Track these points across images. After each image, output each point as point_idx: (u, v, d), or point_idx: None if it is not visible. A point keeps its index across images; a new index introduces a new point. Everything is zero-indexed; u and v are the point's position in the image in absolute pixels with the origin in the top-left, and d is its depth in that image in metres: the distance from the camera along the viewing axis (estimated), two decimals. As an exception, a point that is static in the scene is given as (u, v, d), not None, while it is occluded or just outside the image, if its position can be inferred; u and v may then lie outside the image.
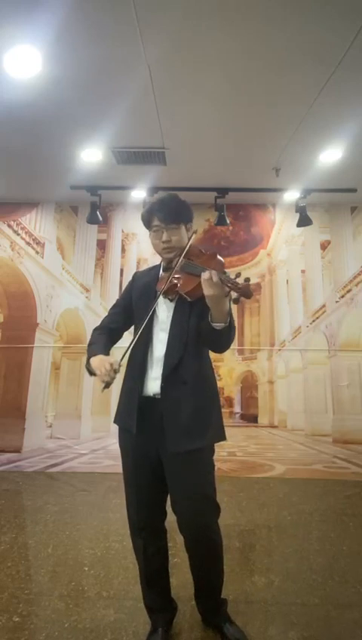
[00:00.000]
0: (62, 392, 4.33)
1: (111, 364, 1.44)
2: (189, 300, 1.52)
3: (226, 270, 1.46)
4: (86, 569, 2.24)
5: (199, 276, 1.44)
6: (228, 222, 4.06)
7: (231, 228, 4.48)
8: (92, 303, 4.41)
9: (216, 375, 1.75)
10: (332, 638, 1.70)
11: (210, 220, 4.42)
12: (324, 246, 4.54)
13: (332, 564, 2.31)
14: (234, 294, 1.36)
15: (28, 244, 4.47)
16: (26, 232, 4.49)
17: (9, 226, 4.47)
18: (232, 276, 1.38)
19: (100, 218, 4.02)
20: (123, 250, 4.60)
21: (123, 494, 1.66)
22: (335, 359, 4.28)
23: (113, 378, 1.43)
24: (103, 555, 2.39)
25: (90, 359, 1.54)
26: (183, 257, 1.56)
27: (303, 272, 4.55)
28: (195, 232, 1.69)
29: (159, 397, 1.54)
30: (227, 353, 4.18)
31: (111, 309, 1.82)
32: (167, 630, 1.66)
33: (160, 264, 1.74)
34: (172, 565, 1.75)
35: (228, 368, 4.42)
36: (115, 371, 1.43)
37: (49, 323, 4.34)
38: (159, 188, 3.83)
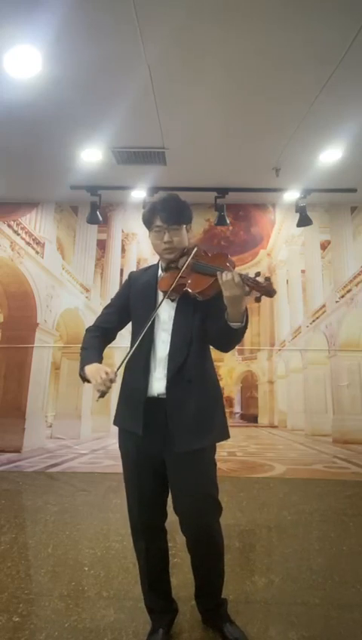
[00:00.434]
0: (62, 392, 4.33)
1: (107, 374, 1.41)
2: (201, 299, 1.51)
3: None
4: (86, 569, 2.23)
5: (212, 276, 1.45)
6: (228, 222, 4.06)
7: (231, 228, 4.47)
8: (92, 303, 4.41)
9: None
10: (332, 638, 1.70)
11: (210, 219, 4.42)
12: (324, 246, 4.54)
13: (332, 564, 2.31)
14: (256, 293, 1.36)
15: (28, 244, 4.47)
16: (26, 232, 4.49)
17: (9, 226, 4.47)
18: (251, 275, 1.38)
19: (100, 218, 4.02)
20: (123, 250, 4.60)
21: (123, 494, 1.65)
22: (335, 359, 4.28)
23: (109, 388, 1.41)
24: (103, 555, 2.39)
25: (84, 367, 1.52)
26: (192, 257, 1.55)
27: (303, 272, 4.55)
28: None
29: (164, 397, 1.53)
30: (227, 353, 4.22)
31: (105, 308, 1.79)
32: (168, 630, 1.66)
33: (157, 264, 1.73)
34: (172, 565, 1.75)
35: (228, 368, 4.42)
36: (111, 381, 1.41)
37: (49, 323, 4.34)
38: (159, 188, 3.83)
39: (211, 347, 1.66)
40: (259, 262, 4.57)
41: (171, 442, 1.50)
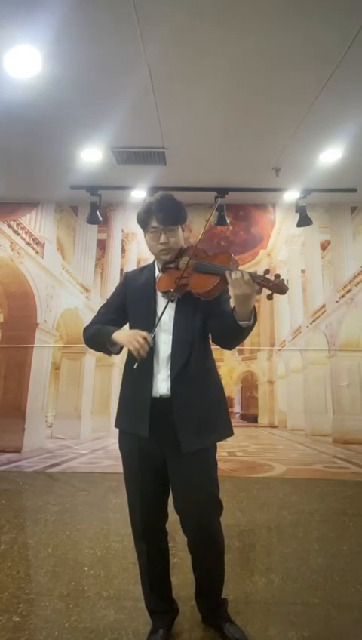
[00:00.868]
0: (62, 392, 4.33)
1: (145, 338, 1.42)
2: (205, 300, 1.51)
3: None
4: (86, 569, 2.23)
5: (218, 275, 1.44)
6: (228, 222, 4.06)
7: (231, 228, 4.48)
8: (92, 303, 4.41)
9: (217, 375, 1.76)
10: (332, 638, 1.70)
11: (209, 220, 4.41)
12: (324, 246, 4.54)
13: (332, 564, 2.31)
14: (267, 291, 1.36)
15: (28, 244, 4.47)
16: (26, 232, 4.49)
17: (9, 226, 4.47)
18: (260, 273, 1.38)
19: (100, 218, 4.02)
20: (123, 250, 4.60)
21: (123, 494, 1.65)
22: (335, 359, 4.28)
23: (147, 353, 1.41)
24: (103, 555, 2.39)
25: (111, 336, 1.50)
26: (193, 257, 1.54)
27: (303, 272, 4.55)
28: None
29: (167, 398, 1.53)
30: (227, 353, 4.24)
31: (102, 307, 1.76)
32: (168, 631, 1.66)
33: (152, 264, 1.72)
34: (172, 565, 1.75)
35: (228, 368, 4.42)
36: (149, 345, 1.41)
37: (49, 323, 4.34)
38: (159, 188, 3.82)
39: (212, 346, 1.66)
40: (259, 262, 4.57)
41: (176, 442, 1.50)
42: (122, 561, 2.29)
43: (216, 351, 1.68)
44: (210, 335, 1.62)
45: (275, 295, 1.40)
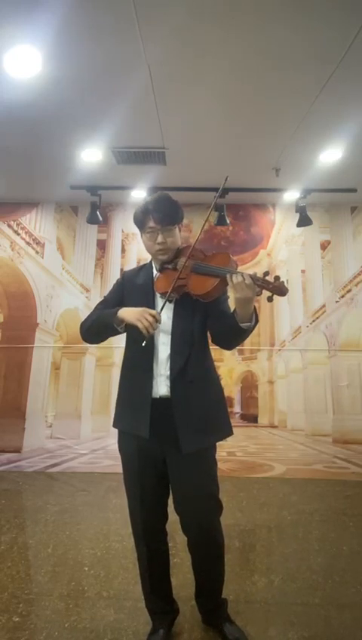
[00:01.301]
0: (62, 392, 4.33)
1: (153, 315, 1.41)
2: (204, 301, 1.50)
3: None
4: (86, 569, 2.23)
5: (217, 277, 1.43)
6: (228, 222, 4.05)
7: (231, 228, 4.47)
8: (92, 303, 4.40)
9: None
10: (332, 638, 1.70)
11: (210, 220, 4.41)
12: (324, 246, 4.54)
13: (332, 564, 2.31)
14: (267, 293, 1.36)
15: (28, 244, 4.47)
16: (26, 232, 4.49)
17: (9, 226, 4.47)
18: (260, 274, 1.38)
19: (100, 218, 4.02)
20: (123, 250, 4.60)
21: (123, 494, 1.65)
22: (335, 359, 4.28)
23: (155, 330, 1.41)
24: (103, 555, 2.39)
25: (116, 313, 1.49)
26: (190, 258, 1.53)
27: (303, 272, 4.55)
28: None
29: (167, 398, 1.53)
30: (227, 353, 4.24)
31: (99, 304, 1.75)
32: (168, 631, 1.66)
33: (150, 263, 1.71)
34: (172, 565, 1.74)
35: (228, 368, 4.42)
36: (158, 322, 1.41)
37: (49, 323, 4.34)
38: (159, 188, 3.82)
39: (211, 346, 1.66)
40: (259, 262, 4.57)
41: (176, 443, 1.50)
42: (122, 561, 2.29)
43: (216, 351, 1.68)
44: (208, 335, 1.62)
45: (275, 296, 1.40)
